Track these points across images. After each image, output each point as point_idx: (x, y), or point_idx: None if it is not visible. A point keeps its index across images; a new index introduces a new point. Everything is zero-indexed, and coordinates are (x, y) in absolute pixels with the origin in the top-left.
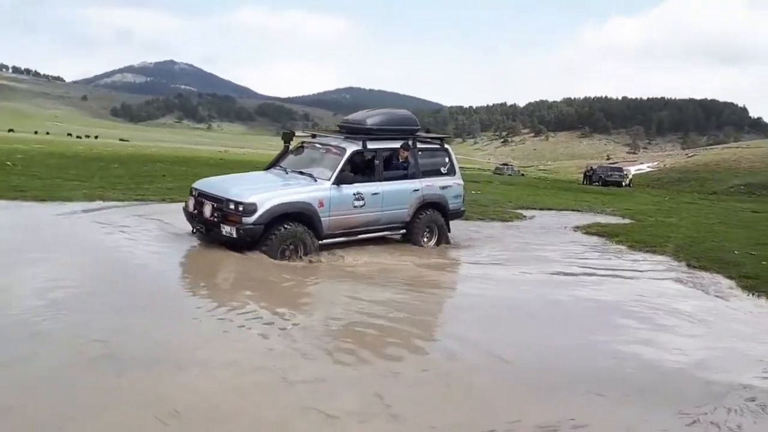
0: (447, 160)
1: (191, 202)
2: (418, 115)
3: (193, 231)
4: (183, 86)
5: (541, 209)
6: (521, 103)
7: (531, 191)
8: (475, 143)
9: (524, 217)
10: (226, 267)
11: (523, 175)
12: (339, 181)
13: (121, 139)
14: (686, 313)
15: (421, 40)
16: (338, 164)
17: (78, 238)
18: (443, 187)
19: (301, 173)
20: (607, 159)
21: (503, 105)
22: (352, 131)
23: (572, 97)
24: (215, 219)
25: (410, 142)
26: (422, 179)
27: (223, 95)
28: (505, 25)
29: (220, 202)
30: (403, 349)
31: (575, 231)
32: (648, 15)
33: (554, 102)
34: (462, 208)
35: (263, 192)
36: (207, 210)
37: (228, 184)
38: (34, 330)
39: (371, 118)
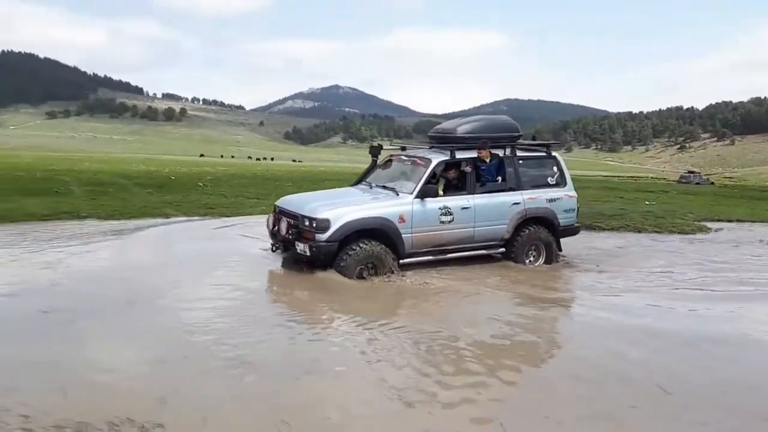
0: (555, 169)
1: (271, 219)
2: (582, 123)
3: (273, 248)
4: (347, 109)
5: (729, 221)
6: (700, 106)
7: (714, 200)
8: (647, 150)
9: (709, 229)
10: (346, 287)
11: (712, 183)
12: (422, 194)
13: (293, 160)
14: None
15: (580, 46)
16: (422, 176)
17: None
18: (551, 200)
19: (385, 187)
20: None
21: (678, 109)
22: (442, 141)
23: (762, 97)
24: (290, 236)
25: (502, 145)
26: (524, 191)
27: (383, 115)
28: (673, 24)
29: (295, 219)
30: (531, 375)
31: None
32: None
33: (740, 103)
34: (576, 224)
35: (338, 207)
36: (283, 227)
37: (305, 200)
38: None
39: (463, 125)
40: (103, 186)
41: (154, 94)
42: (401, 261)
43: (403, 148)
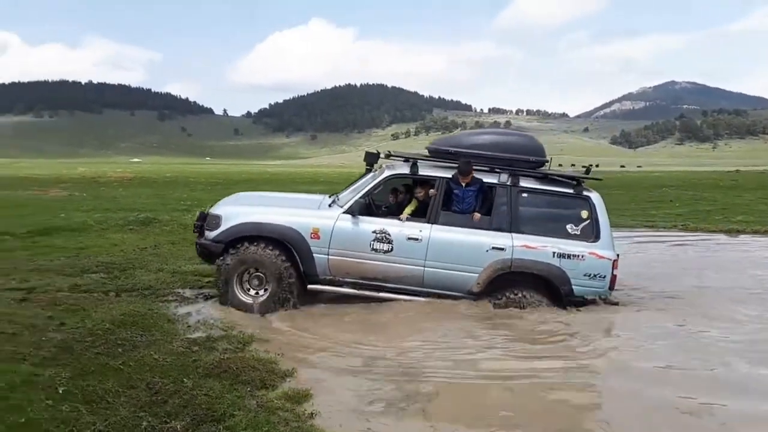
0: (584, 214)
1: None
2: None
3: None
4: (685, 106)
5: None
6: None
7: None
8: None
9: None
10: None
11: None
12: (352, 210)
13: (621, 166)
14: None
15: None
16: (363, 189)
17: None
18: (562, 255)
19: (335, 197)
20: None
21: None
22: (431, 153)
23: None
24: (195, 231)
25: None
26: (517, 235)
27: (731, 110)
28: None
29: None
30: None
31: None
32: None
33: None
34: (604, 296)
35: (243, 207)
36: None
37: (236, 198)
38: None
39: (457, 138)
40: None
41: (481, 109)
42: (311, 286)
43: (407, 160)
